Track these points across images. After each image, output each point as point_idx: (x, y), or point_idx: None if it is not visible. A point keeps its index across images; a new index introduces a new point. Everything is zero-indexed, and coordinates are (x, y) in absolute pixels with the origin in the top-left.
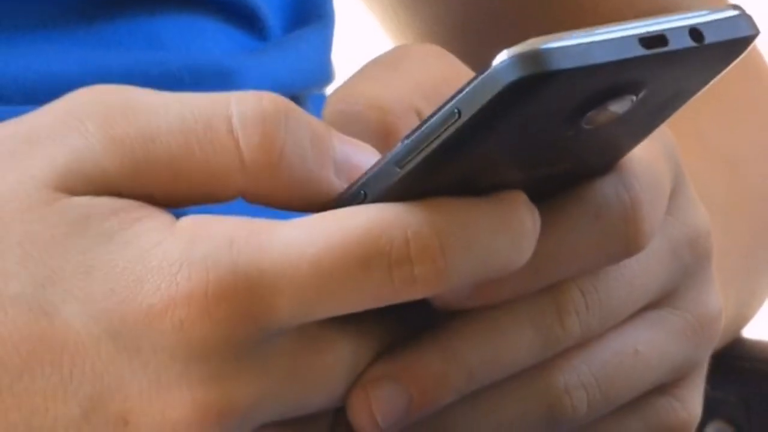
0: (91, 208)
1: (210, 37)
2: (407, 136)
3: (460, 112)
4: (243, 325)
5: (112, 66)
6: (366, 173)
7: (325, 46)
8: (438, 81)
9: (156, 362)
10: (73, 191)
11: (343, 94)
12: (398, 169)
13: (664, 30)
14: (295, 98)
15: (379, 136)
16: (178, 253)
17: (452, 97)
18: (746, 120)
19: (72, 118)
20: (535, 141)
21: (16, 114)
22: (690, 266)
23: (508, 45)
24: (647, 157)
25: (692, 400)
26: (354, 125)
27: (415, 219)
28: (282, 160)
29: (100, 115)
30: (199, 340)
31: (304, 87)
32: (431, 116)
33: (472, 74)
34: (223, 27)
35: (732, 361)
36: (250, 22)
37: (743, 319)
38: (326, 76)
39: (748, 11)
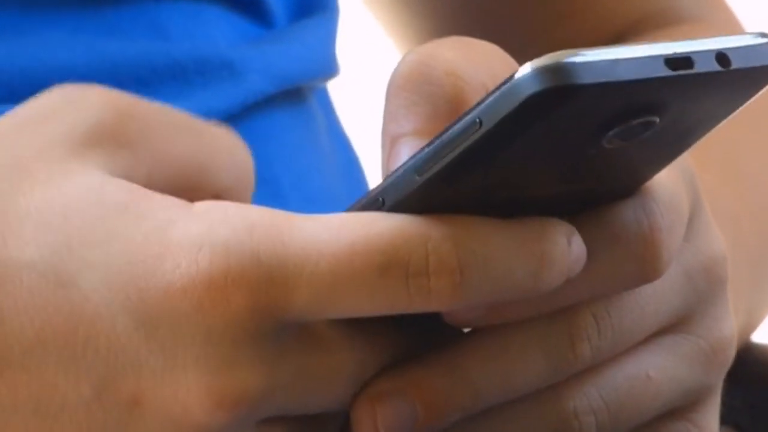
0: (106, 181)
1: (215, 27)
2: (428, 144)
3: (481, 122)
4: (259, 314)
5: (117, 55)
6: (385, 179)
7: (329, 38)
8: (502, 71)
9: (173, 343)
10: (90, 163)
11: (424, 55)
12: (417, 177)
13: (691, 52)
14: (299, 90)
15: (450, 102)
16: (198, 234)
17: (474, 107)
18: (755, 131)
19: (83, 98)
20: (556, 157)
21: None
22: (704, 292)
23: (503, 44)
24: (667, 182)
25: (708, 425)
26: (429, 86)
27: (437, 233)
28: None
29: (108, 95)
30: (217, 325)
31: (309, 79)
32: (452, 125)
33: None
34: (228, 16)
35: (737, 366)
36: (255, 12)
37: (751, 327)
38: (331, 68)
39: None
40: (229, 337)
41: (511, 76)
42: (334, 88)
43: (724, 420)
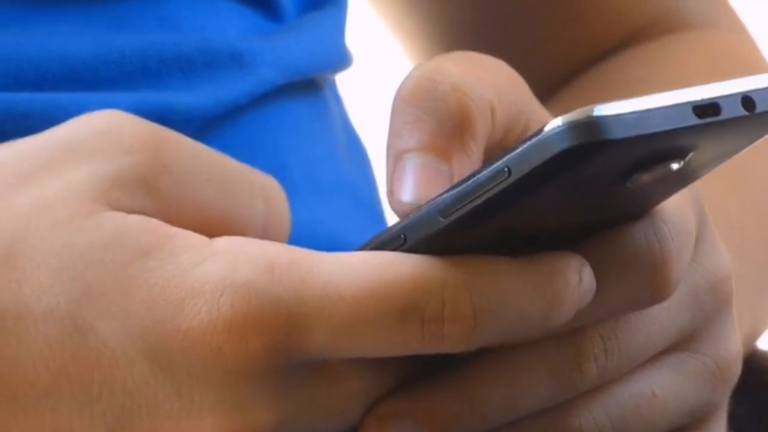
0: (126, 222)
1: (224, 18)
2: (454, 187)
3: (510, 171)
4: (276, 354)
5: (126, 47)
6: (409, 216)
7: (338, 30)
8: (508, 87)
9: (190, 386)
10: (113, 205)
11: (430, 70)
12: (442, 219)
13: (717, 98)
14: (313, 81)
15: (456, 118)
16: (220, 277)
17: (503, 155)
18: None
19: (118, 135)
20: (579, 199)
21: (34, 102)
22: (710, 311)
23: (511, 47)
24: (676, 203)
25: None
26: (434, 101)
27: (453, 280)
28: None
29: (146, 136)
30: (234, 368)
31: (318, 71)
32: (480, 170)
33: (530, 93)
34: (237, 8)
35: (743, 374)
36: (264, 5)
37: (756, 335)
38: (341, 60)
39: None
40: (244, 378)
41: (542, 129)
42: (341, 81)
43: (729, 426)
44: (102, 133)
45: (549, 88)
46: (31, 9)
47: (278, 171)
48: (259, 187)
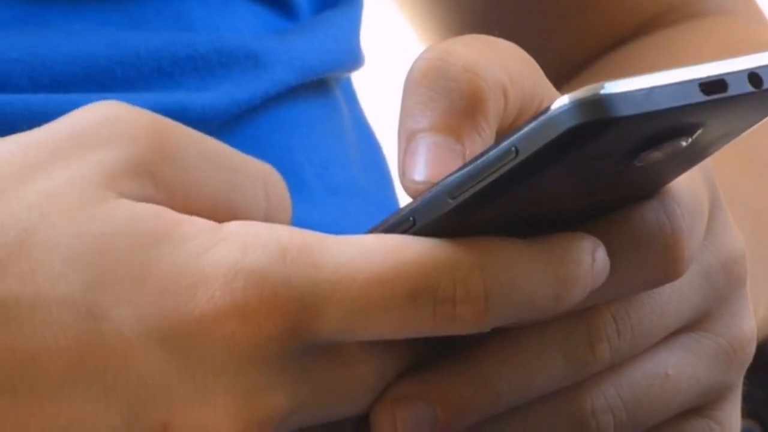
0: (136, 209)
1: (239, 17)
2: (462, 168)
3: (517, 151)
4: (289, 339)
5: (141, 47)
6: (417, 198)
7: (353, 29)
8: (520, 70)
9: (204, 372)
10: (121, 192)
11: (442, 52)
12: (450, 200)
13: (724, 75)
14: (324, 81)
15: (467, 98)
16: (232, 261)
17: (510, 135)
18: None
19: (122, 124)
20: (587, 177)
21: (50, 103)
22: (723, 290)
23: (524, 35)
24: (688, 182)
25: (729, 422)
26: (446, 82)
27: (464, 262)
28: None
29: (149, 126)
30: (247, 352)
31: (332, 70)
32: (488, 150)
33: (543, 77)
34: (252, 8)
35: (759, 357)
36: (279, 4)
37: None
38: (355, 59)
39: None
40: (257, 363)
41: (548, 108)
42: (356, 79)
43: (745, 412)
44: (105, 123)
45: (564, 75)
46: (46, 8)
47: (290, 171)
48: (259, 174)
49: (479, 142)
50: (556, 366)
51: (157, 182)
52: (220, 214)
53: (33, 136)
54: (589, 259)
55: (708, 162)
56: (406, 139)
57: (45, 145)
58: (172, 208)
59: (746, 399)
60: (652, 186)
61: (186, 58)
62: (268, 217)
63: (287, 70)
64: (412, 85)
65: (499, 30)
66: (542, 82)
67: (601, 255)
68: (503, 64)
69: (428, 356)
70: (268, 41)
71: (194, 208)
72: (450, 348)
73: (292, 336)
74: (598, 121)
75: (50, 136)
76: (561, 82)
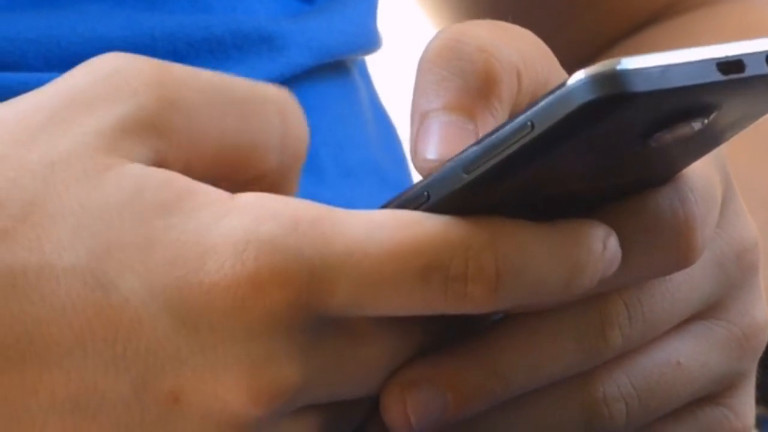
0: (144, 177)
1: (256, 0)
2: (476, 143)
3: (533, 125)
4: (298, 309)
5: (156, 29)
6: (432, 174)
7: (370, 11)
8: (534, 55)
9: (214, 341)
10: (127, 155)
11: (456, 32)
12: (465, 175)
13: (742, 55)
14: (342, 63)
15: (482, 78)
16: (243, 231)
17: (526, 109)
18: None
19: (120, 77)
20: (602, 156)
21: None
22: (736, 278)
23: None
24: (701, 169)
25: (743, 409)
26: (461, 61)
27: (477, 239)
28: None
29: (149, 75)
30: (258, 322)
31: (349, 52)
32: (503, 126)
33: (557, 64)
34: None
35: None
36: None
37: None
38: (371, 41)
39: None
40: (268, 333)
41: (564, 82)
42: (371, 62)
43: (759, 400)
44: (103, 79)
45: (578, 63)
46: None
47: (306, 153)
48: (273, 103)
49: (492, 123)
50: (568, 352)
51: (161, 135)
52: (232, 159)
53: (33, 98)
54: (600, 246)
55: (721, 150)
56: (419, 118)
57: (44, 108)
58: (180, 158)
59: (759, 387)
60: (665, 172)
61: (201, 41)
62: (283, 149)
63: (303, 53)
64: (426, 64)
65: (513, 17)
66: (556, 69)
67: (613, 243)
68: (518, 48)
69: (440, 341)
70: (285, 23)
71: (203, 156)
72: (461, 334)
73: (303, 308)
74: (613, 96)
75: (49, 96)
76: (575, 70)
